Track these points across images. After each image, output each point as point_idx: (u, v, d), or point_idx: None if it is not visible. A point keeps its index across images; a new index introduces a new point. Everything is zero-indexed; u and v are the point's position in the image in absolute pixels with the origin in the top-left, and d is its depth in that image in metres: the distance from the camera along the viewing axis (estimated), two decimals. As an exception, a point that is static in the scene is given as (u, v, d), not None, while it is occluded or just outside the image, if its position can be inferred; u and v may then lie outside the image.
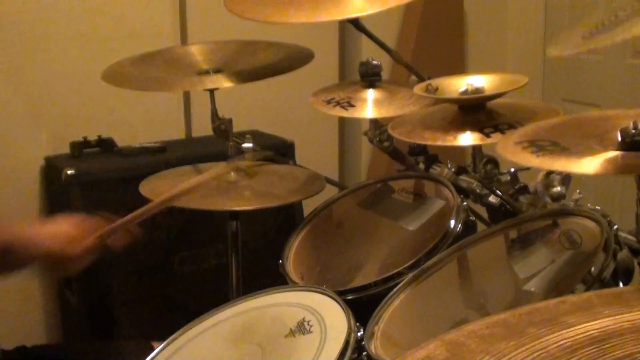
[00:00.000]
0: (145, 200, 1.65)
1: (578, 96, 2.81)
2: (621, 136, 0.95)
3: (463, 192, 1.54)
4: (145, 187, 1.71)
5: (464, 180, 1.58)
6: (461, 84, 1.39)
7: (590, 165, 0.93)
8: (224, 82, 1.67)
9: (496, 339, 0.55)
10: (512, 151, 1.01)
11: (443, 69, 1.74)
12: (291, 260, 1.53)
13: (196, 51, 1.83)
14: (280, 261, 1.52)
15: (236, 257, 1.73)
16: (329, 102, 1.62)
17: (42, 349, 1.62)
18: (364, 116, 1.63)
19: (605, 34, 1.05)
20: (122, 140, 2.31)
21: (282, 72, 1.72)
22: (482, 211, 1.56)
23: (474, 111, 1.35)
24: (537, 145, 1.00)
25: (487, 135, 1.29)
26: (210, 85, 1.69)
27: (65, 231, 1.36)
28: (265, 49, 1.80)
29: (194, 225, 2.16)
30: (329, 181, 1.87)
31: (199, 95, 1.89)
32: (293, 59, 1.75)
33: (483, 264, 1.37)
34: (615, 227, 1.18)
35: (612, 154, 0.94)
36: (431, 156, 1.71)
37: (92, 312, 2.13)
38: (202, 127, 2.35)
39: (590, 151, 0.96)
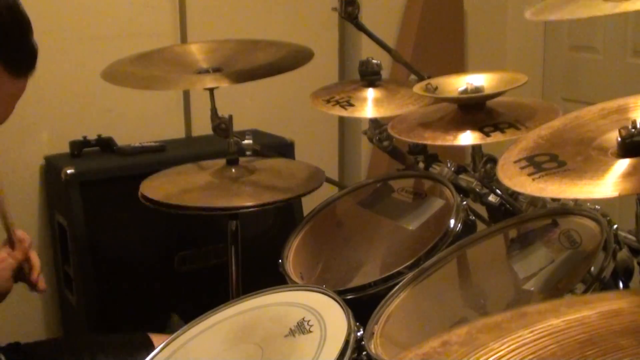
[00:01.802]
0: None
1: (577, 95, 2.82)
2: (621, 137, 0.95)
3: (463, 191, 1.54)
4: (147, 189, 1.70)
5: (464, 179, 1.58)
6: (461, 83, 1.38)
7: (580, 190, 0.92)
8: (223, 81, 1.67)
9: None
10: (509, 174, 1.01)
11: (443, 68, 1.74)
12: (291, 260, 1.53)
13: (196, 50, 1.83)
14: (280, 261, 1.52)
15: (236, 257, 1.73)
16: (328, 101, 1.62)
17: (37, 346, 1.62)
18: (364, 115, 1.63)
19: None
20: (122, 139, 2.31)
21: (281, 71, 1.71)
22: (482, 210, 1.56)
23: (474, 110, 1.35)
24: (535, 164, 1.00)
25: (487, 135, 1.28)
26: (210, 84, 1.69)
27: None
28: (265, 49, 1.80)
29: (194, 224, 2.15)
30: (329, 180, 1.87)
31: (199, 94, 1.89)
32: (293, 58, 1.75)
33: (483, 264, 1.37)
34: (615, 226, 1.18)
35: (609, 169, 0.93)
36: (431, 155, 1.71)
37: (92, 312, 2.13)
38: (202, 127, 2.35)
39: (588, 163, 0.96)
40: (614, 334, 0.54)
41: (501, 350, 0.54)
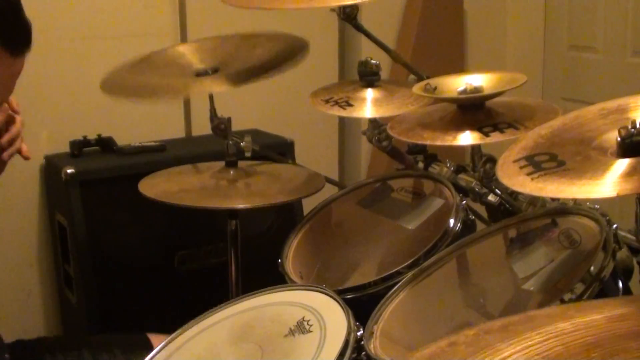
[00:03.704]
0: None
1: (577, 95, 2.81)
2: (620, 137, 0.95)
3: (462, 191, 1.54)
4: (145, 186, 1.71)
5: (463, 179, 1.58)
6: (460, 83, 1.39)
7: (578, 189, 0.93)
8: (222, 85, 1.66)
9: None
10: (509, 173, 1.01)
11: (442, 68, 1.74)
12: (290, 259, 1.53)
13: (193, 50, 1.82)
14: (279, 260, 1.52)
15: (235, 256, 1.73)
16: (327, 101, 1.62)
17: (39, 342, 1.62)
18: (363, 116, 1.64)
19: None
20: (122, 139, 2.31)
21: (280, 65, 1.70)
22: (482, 210, 1.56)
23: (473, 110, 1.35)
24: (534, 163, 1.00)
25: (486, 135, 1.29)
26: (209, 89, 1.68)
27: None
28: (263, 44, 1.79)
29: (194, 223, 2.16)
30: (329, 180, 1.87)
31: (199, 94, 1.89)
32: (289, 52, 1.72)
33: (482, 263, 1.37)
34: (615, 226, 1.18)
35: (608, 168, 0.93)
36: (430, 155, 1.71)
37: (92, 312, 2.13)
38: (202, 126, 2.35)
39: (587, 163, 0.96)
40: (620, 337, 0.54)
41: (507, 350, 0.54)
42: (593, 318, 0.58)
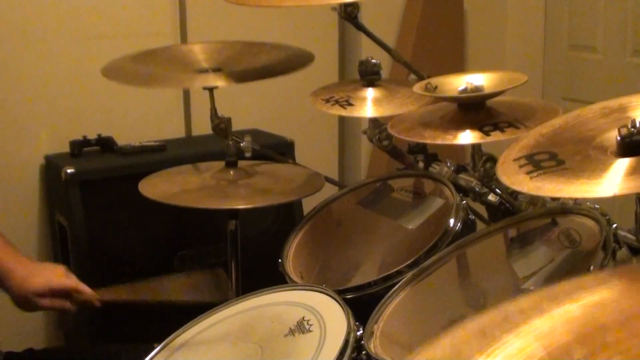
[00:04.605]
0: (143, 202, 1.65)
1: (577, 95, 2.81)
2: (620, 136, 0.95)
3: (462, 190, 1.54)
4: (145, 186, 1.71)
5: (464, 178, 1.58)
6: (460, 82, 1.39)
7: (576, 189, 0.93)
8: (223, 81, 1.67)
9: None
10: (508, 172, 1.01)
11: (443, 67, 1.74)
12: (291, 259, 1.53)
13: (198, 50, 1.83)
14: (279, 260, 1.52)
15: (235, 256, 1.73)
16: (328, 100, 1.62)
17: (46, 353, 1.62)
18: (363, 115, 1.63)
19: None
20: (122, 139, 2.31)
21: (281, 73, 1.71)
22: (482, 210, 1.56)
23: (474, 109, 1.35)
24: (534, 162, 1.00)
25: (487, 134, 1.28)
26: (209, 84, 1.68)
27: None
28: (268, 51, 1.80)
29: (194, 223, 2.15)
30: (329, 180, 1.87)
31: (199, 94, 1.89)
32: (293, 61, 1.74)
33: (482, 263, 1.37)
34: (615, 225, 1.18)
35: (607, 168, 0.93)
36: (430, 155, 1.71)
37: (92, 312, 2.12)
38: (202, 126, 2.35)
39: (586, 162, 0.96)
40: (599, 330, 0.54)
41: None
42: (568, 309, 0.56)
